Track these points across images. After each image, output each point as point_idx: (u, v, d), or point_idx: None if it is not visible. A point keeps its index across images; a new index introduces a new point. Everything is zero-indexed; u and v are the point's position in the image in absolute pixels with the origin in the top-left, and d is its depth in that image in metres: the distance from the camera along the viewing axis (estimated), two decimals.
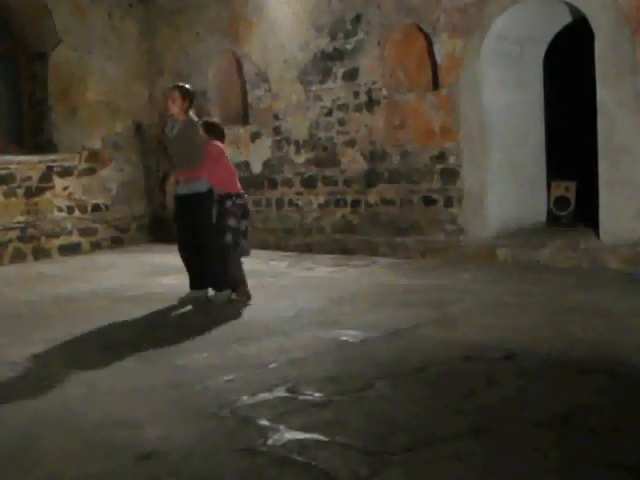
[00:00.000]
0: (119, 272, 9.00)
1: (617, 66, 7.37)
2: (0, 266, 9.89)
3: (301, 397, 4.08)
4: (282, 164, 10.35)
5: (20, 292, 7.93)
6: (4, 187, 10.13)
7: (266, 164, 10.54)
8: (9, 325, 6.35)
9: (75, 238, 10.97)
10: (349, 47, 9.47)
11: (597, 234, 7.72)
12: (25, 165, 10.38)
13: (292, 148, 10.23)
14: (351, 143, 9.58)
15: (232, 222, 6.74)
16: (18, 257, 10.22)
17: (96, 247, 11.19)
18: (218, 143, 6.93)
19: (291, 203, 10.29)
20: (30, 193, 10.42)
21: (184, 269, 7.09)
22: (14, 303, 7.33)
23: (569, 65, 9.74)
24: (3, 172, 10.12)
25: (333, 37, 9.61)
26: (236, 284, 6.85)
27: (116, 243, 11.45)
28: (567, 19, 8.60)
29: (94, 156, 11.26)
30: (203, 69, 11.08)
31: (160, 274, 8.57)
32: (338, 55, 9.59)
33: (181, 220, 6.96)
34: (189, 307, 6.75)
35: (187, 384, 4.42)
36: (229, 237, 6.71)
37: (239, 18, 10.55)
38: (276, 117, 10.37)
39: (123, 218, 11.60)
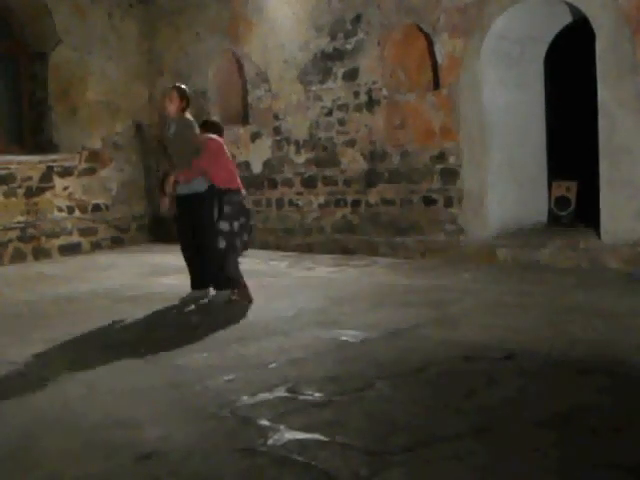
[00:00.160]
0: (119, 272, 9.00)
1: (618, 66, 7.37)
2: (0, 266, 9.89)
3: (301, 397, 4.07)
4: (282, 164, 10.35)
5: (20, 292, 7.93)
6: (4, 187, 10.13)
7: (266, 164, 10.54)
8: (9, 325, 6.35)
9: (75, 238, 10.97)
10: (349, 47, 9.47)
11: (598, 234, 7.72)
12: (25, 165, 10.38)
13: (292, 148, 10.23)
14: (351, 143, 9.58)
15: (224, 226, 6.61)
16: (18, 257, 10.22)
17: (96, 247, 11.19)
18: (218, 138, 6.89)
19: (291, 203, 10.29)
20: (30, 193, 10.42)
21: (184, 269, 7.10)
22: (14, 303, 7.33)
23: (570, 65, 9.74)
24: (3, 172, 10.12)
25: (333, 37, 9.61)
26: (236, 284, 6.81)
27: (116, 243, 11.45)
28: (568, 19, 8.60)
29: (94, 156, 11.26)
30: (203, 69, 11.09)
31: (160, 274, 8.57)
32: (338, 55, 9.59)
33: (182, 220, 7.00)
34: (189, 307, 6.75)
35: (187, 384, 4.42)
36: (222, 243, 6.60)
37: (239, 18, 10.55)
38: (276, 117, 10.37)
39: (123, 218, 11.60)
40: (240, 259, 6.85)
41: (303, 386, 4.24)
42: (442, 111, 8.67)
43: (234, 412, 3.87)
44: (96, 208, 11.26)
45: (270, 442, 3.43)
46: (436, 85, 8.80)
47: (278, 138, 10.38)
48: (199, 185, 6.80)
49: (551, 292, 6.57)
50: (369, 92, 9.33)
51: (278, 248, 10.24)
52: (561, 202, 8.89)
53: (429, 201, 8.87)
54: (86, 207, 11.14)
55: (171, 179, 7.01)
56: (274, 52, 10.26)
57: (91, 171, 11.22)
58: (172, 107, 6.90)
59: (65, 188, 10.86)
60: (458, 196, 8.63)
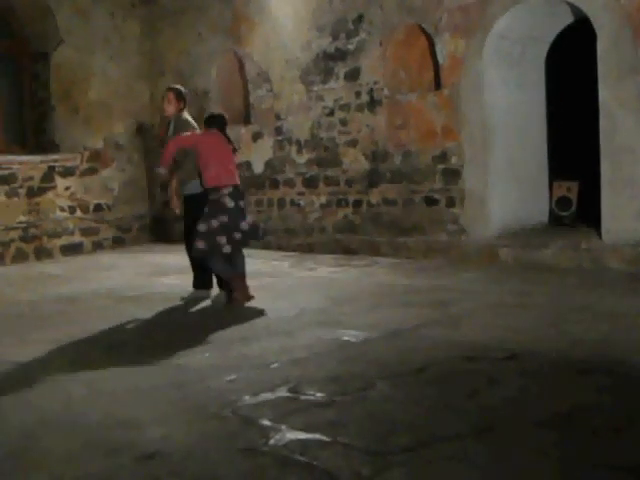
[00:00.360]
0: (121, 272, 9.01)
1: (618, 66, 7.37)
2: (2, 266, 9.91)
3: (303, 397, 4.07)
4: (284, 164, 10.36)
5: (22, 292, 7.94)
6: (6, 187, 10.15)
7: (268, 164, 10.55)
8: (10, 325, 6.36)
9: (77, 238, 10.99)
10: (351, 47, 9.47)
11: (599, 234, 7.72)
12: (27, 165, 10.40)
13: (294, 148, 10.23)
14: (353, 143, 9.58)
15: (201, 227, 6.50)
16: (20, 257, 10.24)
17: (98, 247, 11.21)
18: (209, 134, 6.77)
19: (293, 203, 10.29)
20: (32, 193, 10.44)
21: (185, 269, 7.15)
22: (16, 303, 7.34)
23: (571, 65, 9.74)
24: (5, 172, 10.14)
25: (335, 37, 9.61)
26: (230, 283, 6.75)
27: (118, 243, 11.46)
28: (569, 19, 8.59)
29: (96, 156, 11.28)
30: (205, 69, 11.10)
31: (162, 274, 8.57)
32: (340, 55, 9.59)
33: (184, 220, 7.06)
34: (191, 307, 6.76)
35: (189, 384, 4.42)
36: (201, 244, 6.49)
37: (241, 18, 10.56)
38: (278, 117, 10.38)
39: (125, 218, 11.62)
40: (245, 259, 6.81)
41: (305, 386, 4.24)
42: (444, 111, 8.68)
43: (236, 412, 3.87)
44: (98, 208, 11.28)
45: (272, 442, 3.43)
46: (438, 85, 8.81)
47: (280, 138, 10.39)
48: (194, 187, 6.85)
49: (552, 292, 6.57)
50: (371, 92, 9.33)
51: (280, 248, 10.25)
52: (562, 202, 8.90)
53: (431, 201, 8.87)
54: (88, 207, 11.16)
55: (173, 181, 7.07)
56: (276, 52, 10.26)
57: (92, 171, 11.24)
58: (170, 108, 7.05)
59: (67, 188, 10.88)
60: (460, 196, 8.63)
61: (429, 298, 6.55)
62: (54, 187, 10.72)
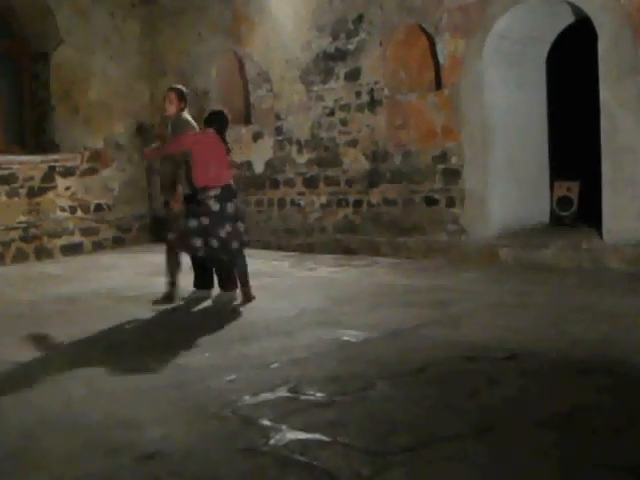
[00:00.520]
0: (121, 272, 9.02)
1: (619, 66, 7.37)
2: (2, 266, 9.91)
3: (303, 397, 4.07)
4: (284, 164, 10.36)
5: (22, 292, 7.94)
6: (6, 187, 10.15)
7: (268, 164, 10.55)
8: (10, 325, 6.35)
9: (77, 238, 10.99)
10: (351, 47, 9.47)
11: (600, 234, 7.72)
12: (27, 165, 10.40)
13: (294, 148, 10.23)
14: (353, 143, 9.58)
15: (182, 225, 6.61)
16: (20, 257, 10.24)
17: (98, 247, 11.21)
18: (201, 133, 6.78)
19: (293, 203, 10.29)
20: (32, 193, 10.44)
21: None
22: (16, 303, 7.34)
23: (573, 65, 9.74)
24: (5, 172, 10.14)
25: (335, 37, 9.61)
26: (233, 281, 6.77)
27: (118, 243, 11.46)
28: (570, 19, 8.59)
29: (96, 156, 11.28)
30: (205, 69, 11.10)
31: (162, 274, 8.51)
32: (340, 55, 9.59)
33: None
34: (191, 307, 6.76)
35: (189, 384, 4.42)
36: (173, 238, 6.61)
37: (241, 18, 10.56)
38: (278, 117, 10.38)
39: (125, 218, 11.61)
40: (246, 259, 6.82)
41: (305, 386, 4.24)
42: (444, 111, 8.67)
43: (236, 412, 3.87)
44: (98, 208, 11.28)
45: (272, 442, 3.43)
46: (438, 85, 8.81)
47: (280, 138, 10.39)
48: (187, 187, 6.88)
49: (552, 292, 6.57)
50: (371, 92, 9.33)
51: (280, 248, 10.25)
52: (563, 202, 8.90)
53: (431, 201, 8.87)
54: (88, 207, 11.16)
55: (178, 186, 7.08)
56: (276, 52, 10.26)
57: (93, 171, 11.24)
58: (171, 108, 7.06)
59: (67, 188, 10.88)
60: (460, 196, 8.63)
61: (429, 298, 6.55)
62: (54, 187, 10.72)
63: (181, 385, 4.40)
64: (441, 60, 8.68)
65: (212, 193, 6.50)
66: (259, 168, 10.64)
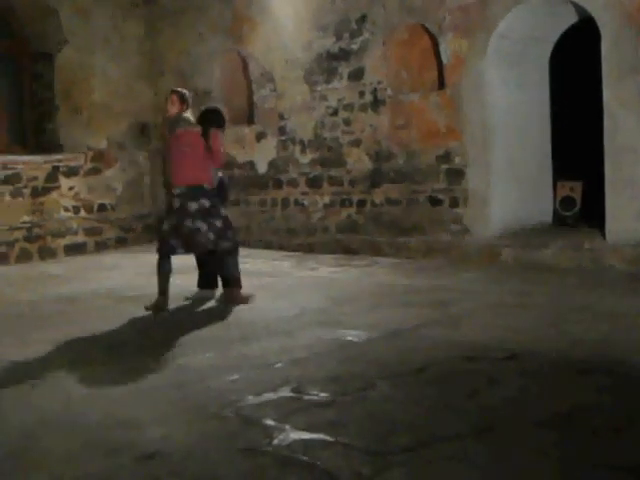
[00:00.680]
0: (123, 272, 9.02)
1: (620, 66, 7.37)
2: (6, 266, 9.92)
3: (305, 397, 4.07)
4: (287, 164, 10.36)
5: (22, 292, 7.94)
6: (10, 187, 10.16)
7: (271, 164, 10.55)
8: (10, 325, 6.35)
9: (80, 238, 11.00)
10: (354, 47, 9.47)
11: (603, 234, 7.71)
12: (31, 165, 10.41)
13: (297, 148, 10.23)
14: (356, 143, 9.58)
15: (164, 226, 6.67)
16: (24, 257, 10.25)
17: (101, 247, 11.22)
18: (184, 130, 6.76)
19: (297, 203, 10.29)
20: (36, 193, 10.45)
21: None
22: (16, 303, 7.34)
23: (576, 65, 9.73)
24: (9, 172, 10.15)
25: (339, 37, 9.61)
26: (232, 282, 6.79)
27: (121, 243, 11.47)
28: (573, 19, 8.59)
29: (99, 156, 11.29)
30: (206, 69, 11.10)
31: None
32: (343, 55, 9.59)
33: None
34: (193, 307, 6.77)
35: (189, 384, 4.42)
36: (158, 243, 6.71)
37: (243, 18, 10.56)
38: (281, 117, 10.38)
39: (128, 218, 11.62)
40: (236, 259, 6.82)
41: (306, 386, 4.24)
42: (446, 111, 8.67)
43: (237, 412, 3.86)
44: (101, 208, 11.29)
45: (275, 442, 3.43)
46: (441, 85, 8.80)
47: (283, 138, 10.39)
48: None
49: (552, 292, 6.57)
50: (374, 92, 9.33)
51: (281, 248, 10.26)
52: (566, 202, 8.89)
53: (435, 201, 8.86)
54: (91, 207, 11.17)
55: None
56: (278, 52, 10.27)
57: (96, 171, 11.25)
58: (174, 110, 7.03)
59: (71, 188, 10.89)
60: (464, 196, 8.62)
61: (429, 298, 6.55)
62: (58, 187, 10.73)
63: (181, 385, 4.40)
64: (444, 60, 8.67)
65: (177, 191, 6.59)
66: (262, 168, 10.64)
